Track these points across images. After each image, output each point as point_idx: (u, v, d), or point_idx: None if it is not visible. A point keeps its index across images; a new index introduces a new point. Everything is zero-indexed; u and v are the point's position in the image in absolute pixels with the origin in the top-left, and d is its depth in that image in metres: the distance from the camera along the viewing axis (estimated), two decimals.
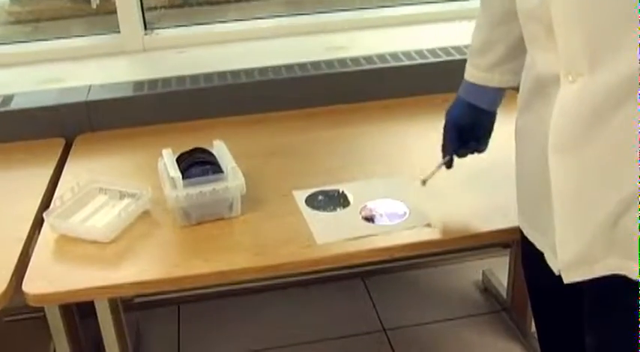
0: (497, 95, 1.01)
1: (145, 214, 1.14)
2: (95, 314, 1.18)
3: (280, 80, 1.54)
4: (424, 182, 1.08)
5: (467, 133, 1.03)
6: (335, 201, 1.14)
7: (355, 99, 1.53)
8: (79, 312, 1.34)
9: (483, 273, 1.70)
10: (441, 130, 1.04)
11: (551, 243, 0.79)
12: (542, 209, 0.82)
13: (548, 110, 0.75)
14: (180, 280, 0.99)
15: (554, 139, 0.74)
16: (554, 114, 0.73)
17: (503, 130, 1.29)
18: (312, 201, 1.14)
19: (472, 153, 1.05)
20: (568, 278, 0.77)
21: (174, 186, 1.08)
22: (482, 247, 1.72)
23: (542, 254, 0.85)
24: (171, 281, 0.99)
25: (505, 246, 1.68)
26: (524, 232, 0.91)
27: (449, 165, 1.07)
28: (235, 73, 1.55)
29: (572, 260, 0.76)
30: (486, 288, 1.68)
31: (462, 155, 1.06)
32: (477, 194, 1.13)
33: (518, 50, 0.94)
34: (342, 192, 1.17)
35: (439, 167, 1.07)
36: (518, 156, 0.90)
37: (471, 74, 1.01)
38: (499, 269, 1.66)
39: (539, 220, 0.84)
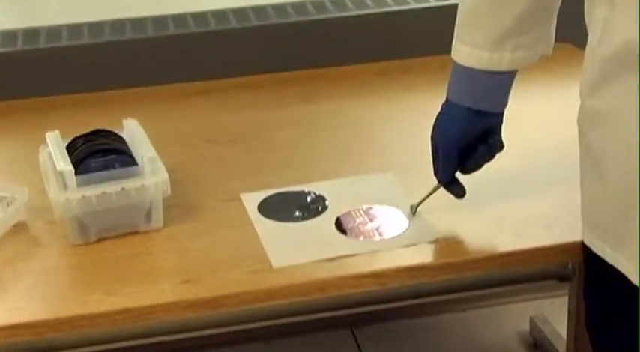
0: (508, 84, 1.04)
1: (20, 227, 1.18)
2: None
3: (227, 32, 1.59)
4: (414, 210, 1.16)
5: (472, 148, 1.07)
6: (301, 207, 1.19)
7: (336, 60, 1.59)
8: None
9: (532, 321, 1.75)
10: None
11: None
12: (635, 223, 0.86)
13: None
14: (73, 322, 1.02)
15: None
16: None
17: (537, 109, 1.34)
18: (267, 208, 1.19)
19: (488, 161, 1.09)
20: None
21: (63, 185, 1.12)
22: (528, 280, 1.78)
23: (620, 285, 0.90)
24: (60, 323, 1.02)
25: (561, 278, 1.74)
26: (600, 253, 0.95)
27: (460, 192, 1.10)
28: (159, 21, 1.60)
29: None
30: (536, 343, 1.74)
31: (470, 171, 1.10)
32: (505, 197, 1.19)
33: (537, 15, 0.98)
34: (312, 193, 1.22)
35: (434, 191, 1.14)
36: (590, 147, 0.94)
37: (467, 56, 1.01)
38: (555, 314, 1.72)
39: (630, 239, 0.89)
